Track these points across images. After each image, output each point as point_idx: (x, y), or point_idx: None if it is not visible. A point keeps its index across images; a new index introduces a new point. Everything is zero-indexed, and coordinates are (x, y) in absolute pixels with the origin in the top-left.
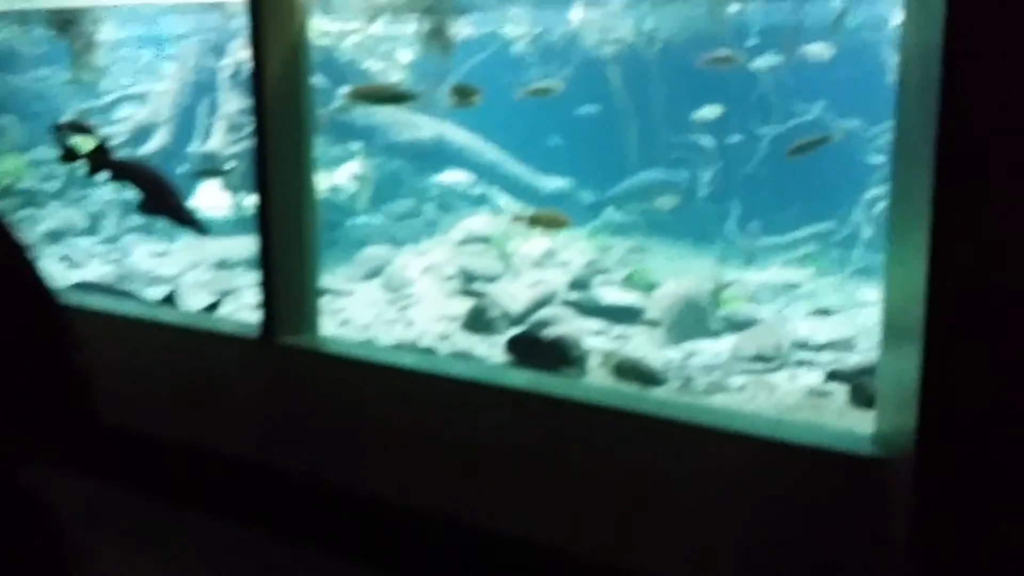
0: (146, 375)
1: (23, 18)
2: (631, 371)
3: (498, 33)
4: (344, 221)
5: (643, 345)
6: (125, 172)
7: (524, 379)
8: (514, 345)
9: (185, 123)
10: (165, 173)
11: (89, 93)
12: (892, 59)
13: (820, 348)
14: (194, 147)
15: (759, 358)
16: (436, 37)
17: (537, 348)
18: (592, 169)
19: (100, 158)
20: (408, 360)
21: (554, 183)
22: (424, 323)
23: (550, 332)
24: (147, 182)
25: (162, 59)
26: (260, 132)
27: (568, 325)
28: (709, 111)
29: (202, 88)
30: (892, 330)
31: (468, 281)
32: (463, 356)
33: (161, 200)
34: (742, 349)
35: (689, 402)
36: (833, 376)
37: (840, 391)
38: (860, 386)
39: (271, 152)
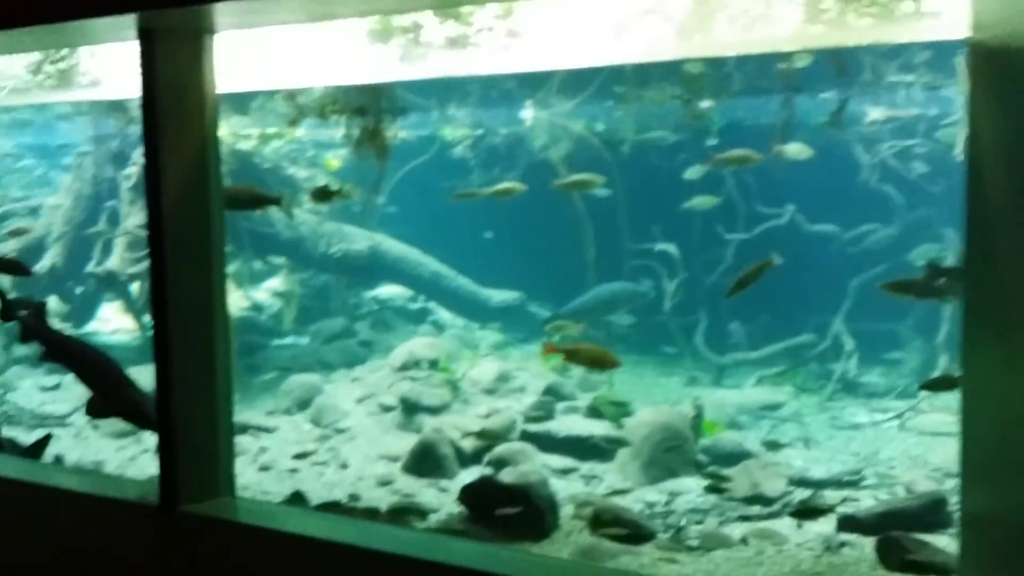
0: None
1: None
2: (612, 523)
3: (437, 136)
4: (266, 343)
5: (617, 484)
6: (62, 351)
7: (478, 554)
8: (468, 495)
9: (81, 239)
10: (112, 360)
11: None
12: (864, 157)
13: (820, 485)
14: (91, 266)
15: (755, 499)
16: (369, 140)
17: (496, 497)
18: (543, 281)
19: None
20: (340, 531)
21: (501, 296)
22: (360, 464)
23: (510, 476)
24: (91, 369)
25: (57, 169)
26: (156, 247)
27: (529, 464)
28: (702, 201)
29: (101, 200)
30: (978, 465)
31: (411, 413)
32: (406, 511)
33: (114, 395)
34: (733, 488)
35: None
36: (847, 524)
37: (862, 545)
38: (890, 542)
39: (170, 271)
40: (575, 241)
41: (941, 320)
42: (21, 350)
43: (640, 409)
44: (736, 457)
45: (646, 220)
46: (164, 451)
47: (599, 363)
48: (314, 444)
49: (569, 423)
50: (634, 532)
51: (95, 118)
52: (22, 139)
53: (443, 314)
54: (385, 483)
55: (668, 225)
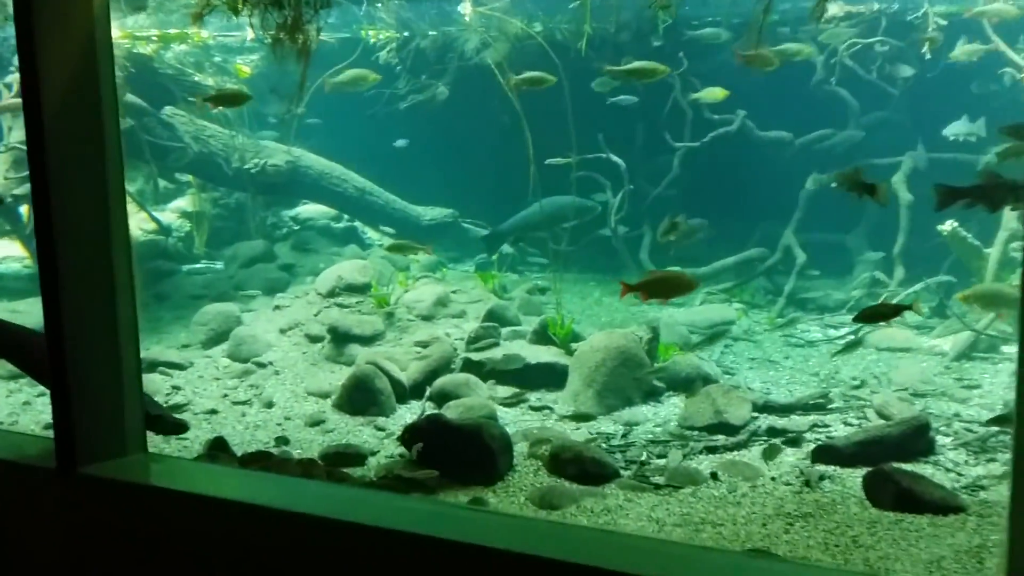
0: None
1: None
2: (573, 462)
3: (359, 38)
4: (176, 270)
5: (569, 414)
6: None
7: (417, 513)
8: (412, 436)
9: None
10: None
11: None
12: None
13: (785, 410)
14: None
15: (718, 428)
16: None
17: (445, 439)
18: (479, 196)
19: None
20: (264, 491)
21: (433, 213)
22: (287, 402)
23: (455, 411)
24: None
25: None
26: (37, 164)
27: (475, 396)
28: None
29: None
30: None
31: (341, 343)
32: (340, 457)
33: None
34: (694, 416)
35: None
36: (824, 454)
37: (843, 478)
38: (880, 477)
39: (56, 191)
40: (512, 152)
41: (896, 233)
42: None
43: (590, 333)
44: (693, 382)
45: (590, 129)
46: (58, 403)
47: (680, 290)
48: (234, 381)
49: (515, 350)
50: (596, 471)
51: None
52: None
53: (370, 234)
54: (316, 423)
55: (613, 134)
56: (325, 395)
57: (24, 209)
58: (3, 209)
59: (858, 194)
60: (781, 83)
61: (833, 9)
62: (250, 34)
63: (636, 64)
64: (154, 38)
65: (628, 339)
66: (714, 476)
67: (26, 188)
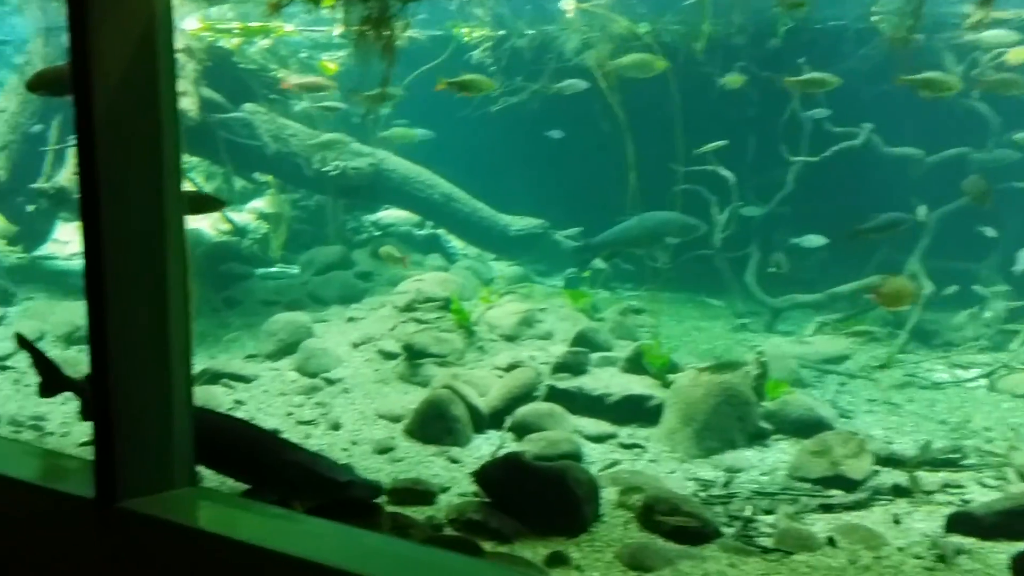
0: None
1: None
2: (668, 515)
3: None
4: (249, 273)
5: (662, 457)
6: None
7: None
8: (488, 475)
9: (30, 150)
10: None
11: None
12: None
13: (911, 464)
14: (40, 182)
15: (834, 481)
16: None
17: (526, 485)
18: (571, 206)
19: None
20: (321, 544)
21: (521, 223)
22: (355, 424)
23: (537, 445)
24: None
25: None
26: (86, 159)
27: (559, 429)
28: None
29: (51, 104)
30: None
31: (416, 362)
32: (407, 493)
33: None
34: (806, 466)
35: None
36: (960, 523)
37: (984, 554)
38: None
39: (104, 188)
40: (609, 161)
41: None
42: None
43: (688, 362)
44: (806, 425)
45: (697, 138)
46: (100, 429)
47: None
48: (300, 397)
49: (605, 379)
50: (695, 529)
51: (44, 7)
52: None
53: (454, 243)
54: (384, 450)
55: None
56: (396, 419)
57: None
58: (73, 205)
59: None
60: (911, 94)
61: (979, 14)
62: (338, 29)
63: (815, 75)
64: (236, 31)
65: (729, 371)
66: (831, 542)
67: None
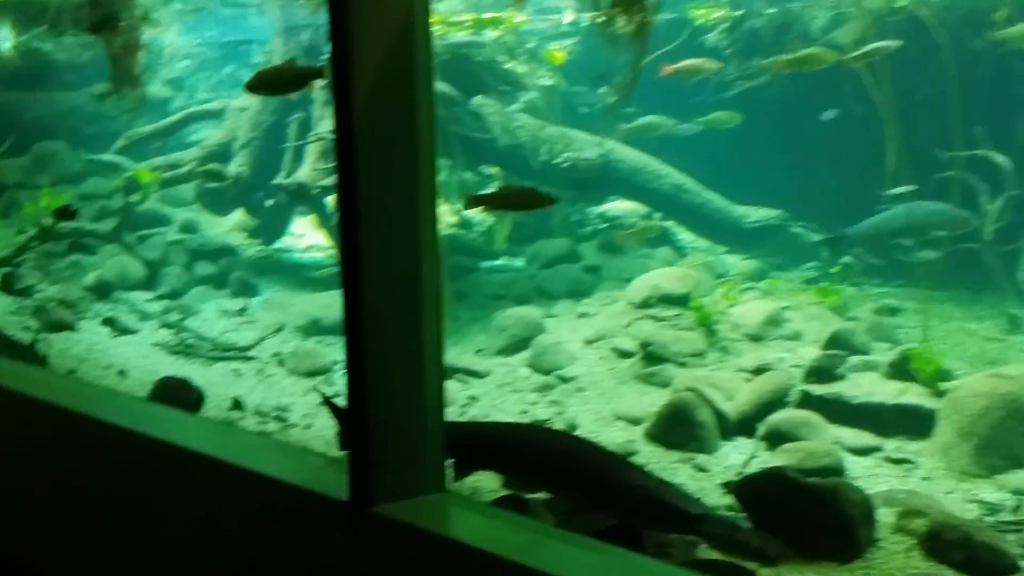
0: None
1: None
2: (959, 546)
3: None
4: (475, 266)
5: (937, 475)
6: None
7: None
8: (747, 493)
9: (270, 146)
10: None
11: (157, 111)
12: None
13: None
14: (280, 178)
15: None
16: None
17: (792, 503)
18: (813, 195)
19: None
20: (580, 561)
21: (757, 214)
22: (591, 425)
23: (794, 456)
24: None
25: (247, 68)
26: (345, 156)
27: (818, 439)
28: None
29: (291, 102)
30: None
31: (654, 362)
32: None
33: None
34: None
35: None
36: None
37: None
38: None
39: (363, 187)
40: (860, 147)
41: None
42: (205, 268)
43: (957, 368)
44: None
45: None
46: (356, 429)
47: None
48: (534, 395)
49: (866, 385)
50: (989, 561)
51: (285, 6)
52: (206, 33)
53: (684, 235)
54: (625, 454)
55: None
56: (635, 421)
57: (331, 200)
58: (311, 200)
59: None
60: None
61: None
62: (567, 17)
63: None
64: (467, 23)
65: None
66: None
67: (333, 179)
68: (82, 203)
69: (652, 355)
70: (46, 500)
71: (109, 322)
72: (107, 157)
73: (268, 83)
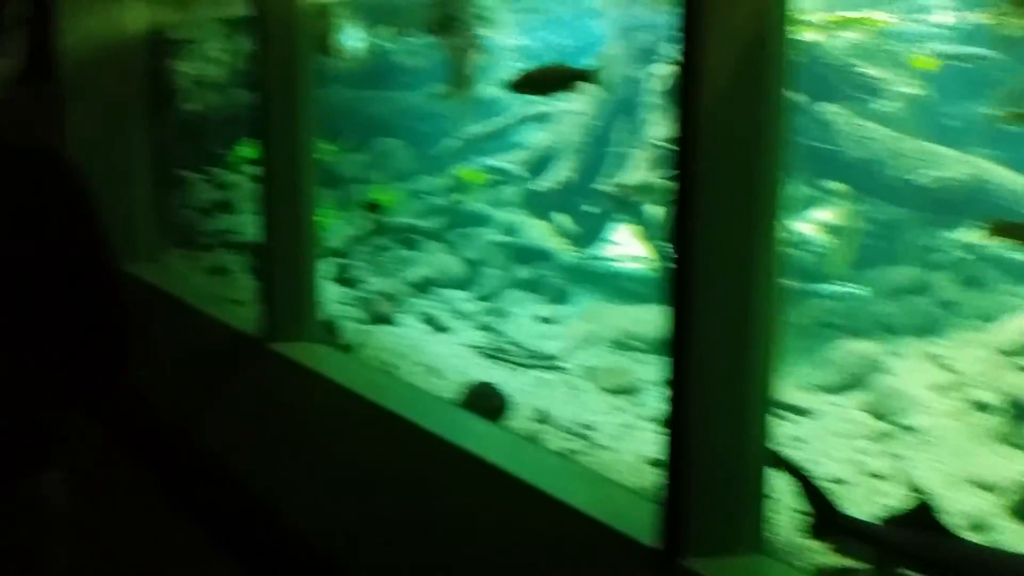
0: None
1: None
2: None
3: None
4: (805, 290)
5: None
6: None
7: None
8: None
9: (598, 151)
10: None
11: (489, 113)
12: None
13: None
14: (603, 182)
15: None
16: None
17: None
18: None
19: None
20: None
21: None
22: (937, 488)
23: None
24: None
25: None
26: (685, 167)
27: None
28: None
29: (624, 106)
30: None
31: (1021, 420)
32: None
33: None
34: None
35: None
36: None
37: None
38: None
39: (699, 201)
40: None
41: None
42: (521, 271)
43: None
44: None
45: None
46: (674, 469)
47: None
48: (866, 443)
49: None
50: None
51: (624, 6)
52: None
53: None
54: (977, 526)
55: None
56: (991, 488)
57: (654, 208)
58: (632, 207)
59: None
60: None
61: None
62: (946, 17)
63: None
64: (825, 23)
65: None
66: None
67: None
68: (410, 200)
69: (1020, 411)
70: (344, 486)
71: (425, 318)
72: (490, 161)
73: (535, 83)
